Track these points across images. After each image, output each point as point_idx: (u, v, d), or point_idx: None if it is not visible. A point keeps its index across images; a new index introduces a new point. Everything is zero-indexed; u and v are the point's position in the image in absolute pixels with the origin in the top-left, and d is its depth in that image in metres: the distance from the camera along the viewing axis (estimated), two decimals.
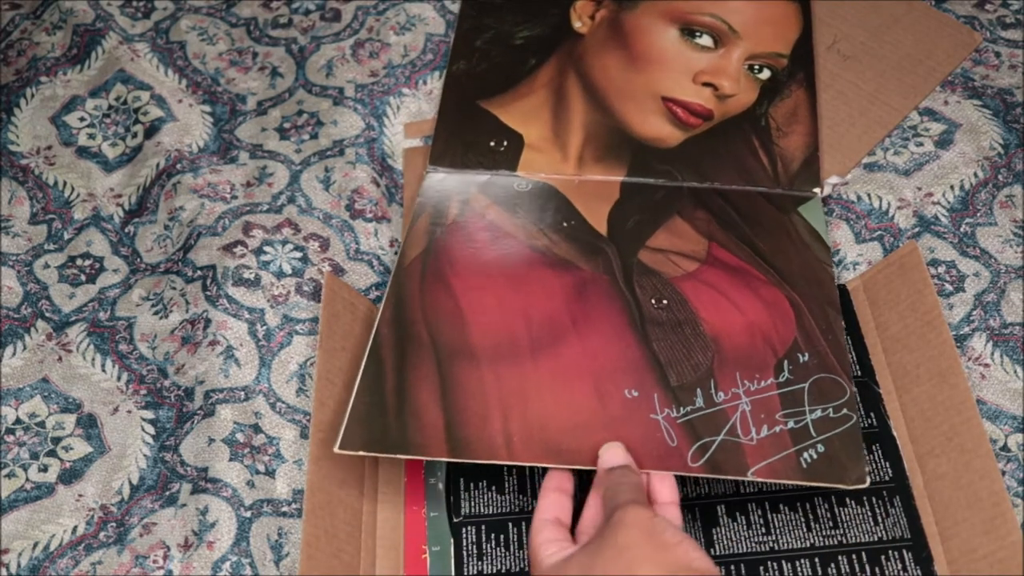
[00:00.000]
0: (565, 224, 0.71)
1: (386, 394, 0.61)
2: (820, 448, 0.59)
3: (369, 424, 0.60)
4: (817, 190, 0.73)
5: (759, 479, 0.58)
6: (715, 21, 0.79)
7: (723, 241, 0.70)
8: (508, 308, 0.66)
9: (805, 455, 0.59)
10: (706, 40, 0.78)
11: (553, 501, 0.56)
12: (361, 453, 0.59)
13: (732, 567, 0.60)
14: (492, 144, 0.76)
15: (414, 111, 0.82)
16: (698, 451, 0.59)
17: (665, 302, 0.66)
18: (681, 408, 0.61)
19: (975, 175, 0.75)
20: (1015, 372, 0.67)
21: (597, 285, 0.67)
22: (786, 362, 0.63)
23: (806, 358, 0.63)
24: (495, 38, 0.82)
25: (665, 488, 0.57)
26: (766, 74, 0.78)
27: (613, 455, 0.57)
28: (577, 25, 0.82)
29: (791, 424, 0.60)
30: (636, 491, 0.54)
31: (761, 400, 0.61)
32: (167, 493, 0.64)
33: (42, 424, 0.67)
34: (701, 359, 0.63)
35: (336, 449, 0.58)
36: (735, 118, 0.76)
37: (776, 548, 0.60)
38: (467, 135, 0.76)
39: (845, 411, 0.61)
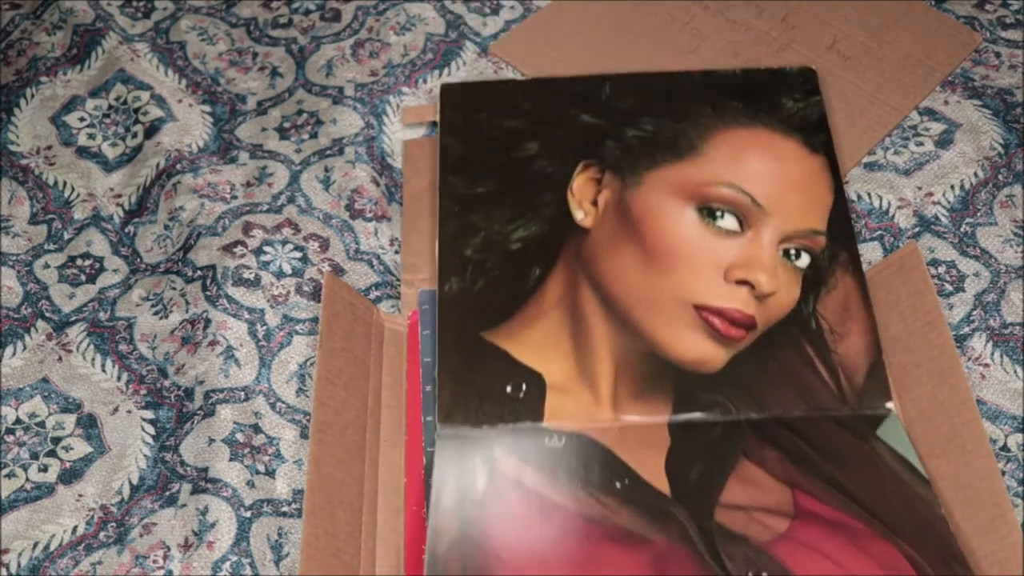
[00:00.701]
0: (618, 484, 0.59)
1: None
2: None
3: None
4: (890, 405, 0.61)
5: None
6: (735, 194, 0.66)
7: (808, 487, 0.59)
8: None
9: None
10: (730, 222, 0.65)
11: None
12: None
13: None
14: (509, 390, 0.63)
15: None
16: None
17: (765, 575, 0.56)
18: None
19: (975, 175, 0.75)
20: (1015, 372, 0.67)
21: (677, 559, 0.57)
22: None
23: None
24: (487, 244, 0.67)
25: None
26: (804, 260, 0.65)
27: None
28: (579, 216, 0.68)
29: None
30: None
31: None
32: (167, 493, 0.64)
33: (42, 424, 0.67)
34: None
35: None
36: (781, 323, 0.64)
37: None
38: (477, 381, 0.63)
39: None
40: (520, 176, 0.70)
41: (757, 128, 0.69)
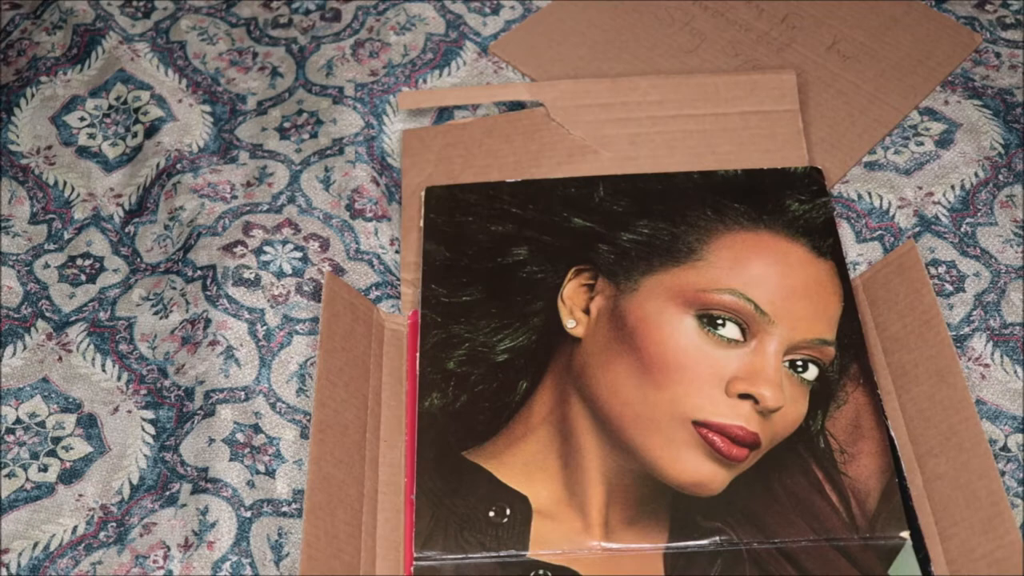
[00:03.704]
0: None
1: None
2: None
3: None
4: (905, 534, 0.58)
5: None
6: (737, 300, 0.63)
7: None
8: None
9: None
10: (731, 330, 0.62)
11: None
12: None
13: None
14: (491, 514, 0.59)
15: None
16: None
17: None
18: None
19: (975, 175, 0.75)
20: (1015, 372, 0.67)
21: None
22: None
23: None
24: (471, 356, 0.64)
25: None
26: (812, 372, 0.62)
27: None
28: (570, 325, 0.64)
29: None
30: None
31: None
32: (167, 493, 0.64)
33: (42, 424, 0.67)
34: None
35: None
36: (787, 442, 0.60)
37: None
38: (458, 506, 0.59)
39: None
40: (507, 283, 0.66)
41: (760, 231, 0.66)
